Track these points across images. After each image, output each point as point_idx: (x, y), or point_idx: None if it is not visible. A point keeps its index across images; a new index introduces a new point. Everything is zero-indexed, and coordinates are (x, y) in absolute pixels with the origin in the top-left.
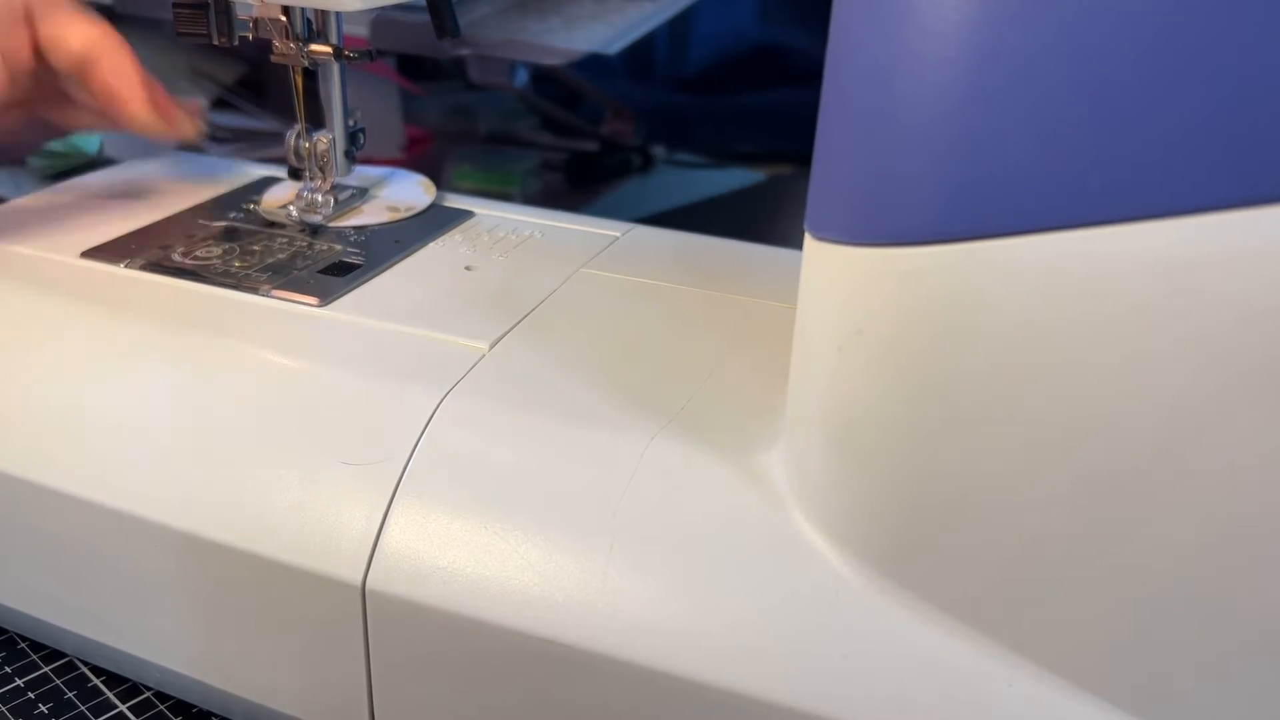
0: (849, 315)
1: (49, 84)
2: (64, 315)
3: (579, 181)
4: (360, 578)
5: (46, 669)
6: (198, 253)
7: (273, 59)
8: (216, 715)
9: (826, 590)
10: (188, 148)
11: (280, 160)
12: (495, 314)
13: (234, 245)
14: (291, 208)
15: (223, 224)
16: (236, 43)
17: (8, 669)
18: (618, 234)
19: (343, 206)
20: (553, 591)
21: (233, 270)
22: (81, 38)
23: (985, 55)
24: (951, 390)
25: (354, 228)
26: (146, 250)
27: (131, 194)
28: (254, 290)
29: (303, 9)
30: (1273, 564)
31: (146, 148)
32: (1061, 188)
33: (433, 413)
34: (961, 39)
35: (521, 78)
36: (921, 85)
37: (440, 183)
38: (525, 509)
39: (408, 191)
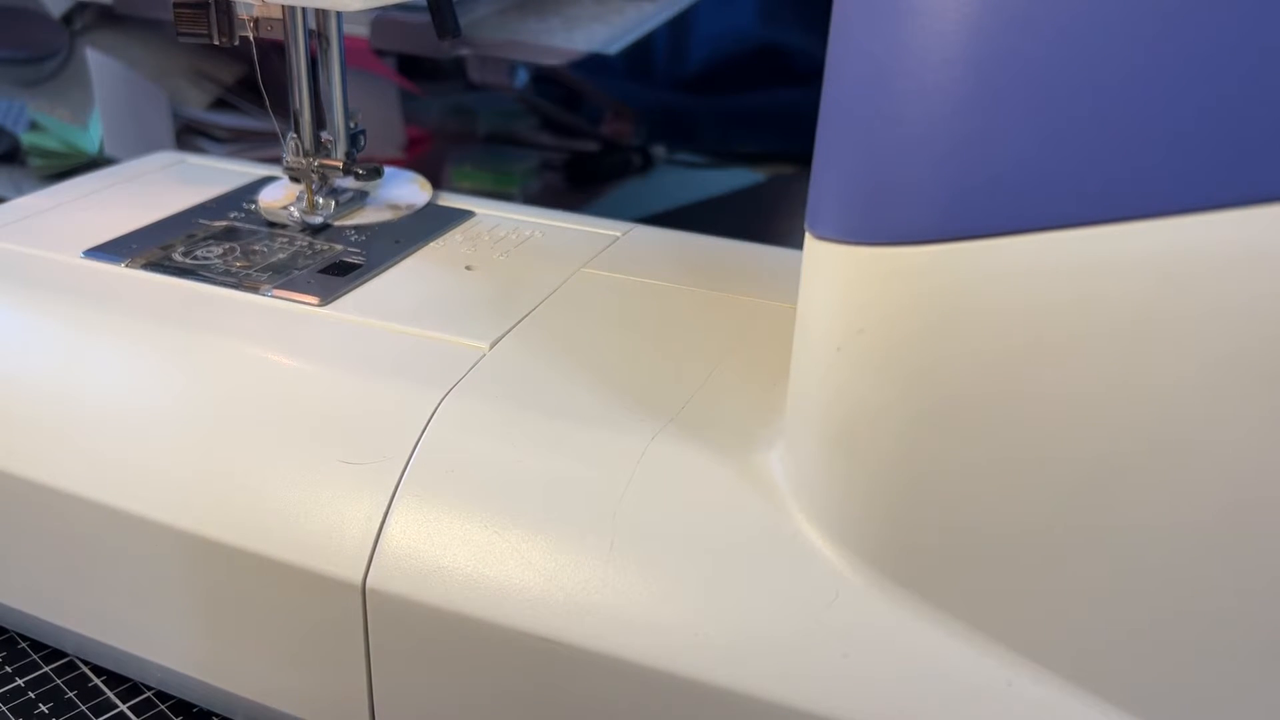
0: (849, 315)
1: None
2: (65, 315)
3: (579, 181)
4: (360, 577)
5: (47, 669)
6: (198, 252)
7: (284, 170)
8: (217, 715)
9: (826, 590)
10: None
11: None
12: (495, 314)
13: (234, 245)
14: (292, 208)
15: (223, 224)
16: (236, 43)
17: (8, 669)
18: (618, 234)
19: (344, 207)
20: (553, 591)
21: (233, 270)
22: None
23: (985, 55)
24: (951, 389)
25: (354, 227)
26: (147, 250)
27: (132, 194)
28: (255, 290)
29: (304, 8)
30: (1272, 563)
31: (147, 147)
32: (1061, 187)
33: (433, 413)
34: (961, 39)
35: (521, 78)
36: (921, 85)
37: (440, 183)
38: (525, 509)
39: (405, 190)
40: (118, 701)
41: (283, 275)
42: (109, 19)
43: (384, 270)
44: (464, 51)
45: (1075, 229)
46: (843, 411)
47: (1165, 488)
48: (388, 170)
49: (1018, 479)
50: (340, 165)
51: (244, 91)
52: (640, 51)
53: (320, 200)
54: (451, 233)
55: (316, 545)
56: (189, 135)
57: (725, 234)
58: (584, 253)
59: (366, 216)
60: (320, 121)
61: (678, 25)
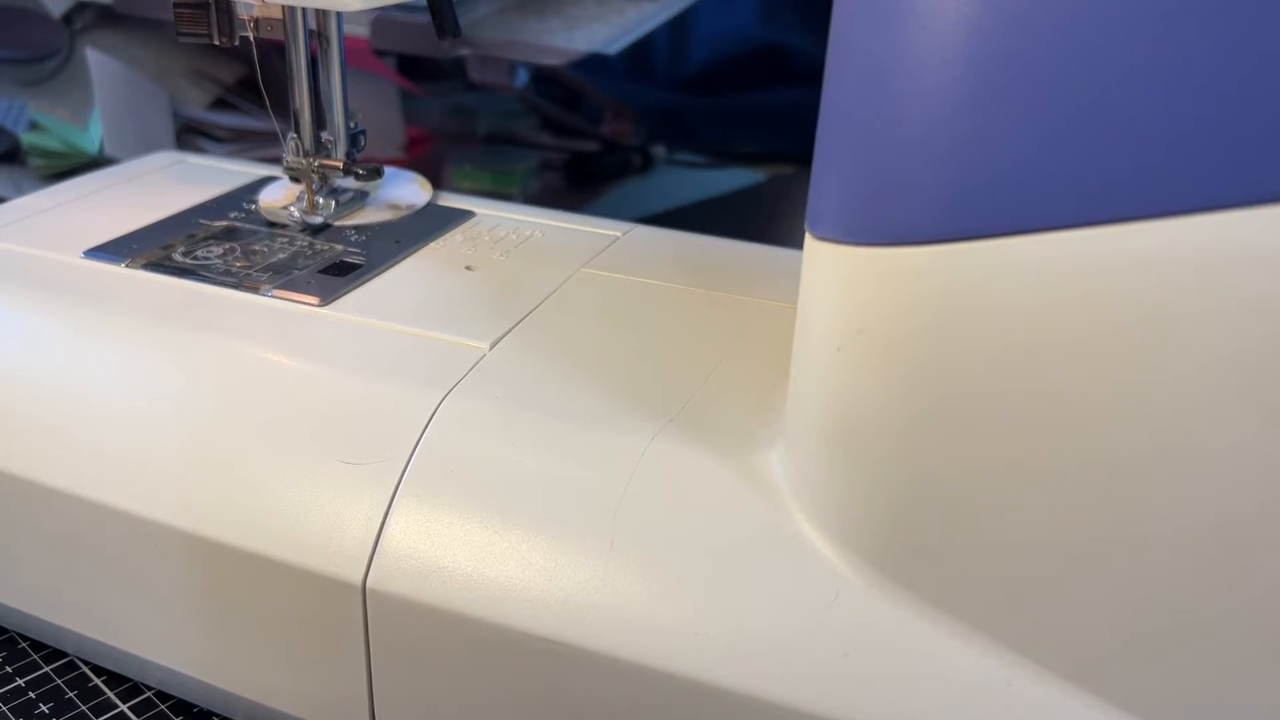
0: (849, 315)
1: None
2: (65, 315)
3: (579, 181)
4: (360, 577)
5: (47, 669)
6: (199, 252)
7: (284, 170)
8: (217, 715)
9: (826, 590)
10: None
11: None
12: (495, 314)
13: (235, 245)
14: (293, 208)
15: (223, 223)
16: (237, 43)
17: (8, 669)
18: (618, 234)
19: (344, 207)
20: (553, 591)
21: (234, 270)
22: None
23: (985, 55)
24: (951, 390)
25: (354, 227)
26: (147, 250)
27: (132, 194)
28: (255, 290)
29: (304, 8)
30: (1272, 563)
31: (147, 147)
32: (1061, 188)
33: (433, 413)
34: (961, 39)
35: (521, 78)
36: (921, 85)
37: (440, 183)
38: (525, 509)
39: (406, 190)
40: (118, 701)
41: (283, 275)
42: (109, 19)
43: (384, 270)
44: (464, 51)
45: (1075, 229)
46: (843, 411)
47: (1165, 488)
48: (388, 170)
49: (1018, 479)
50: (340, 165)
51: (244, 91)
52: (640, 51)
53: (320, 200)
54: (451, 233)
55: (316, 545)
56: (189, 135)
57: (725, 234)
58: (584, 253)
59: (366, 216)
60: (320, 121)
61: (678, 25)
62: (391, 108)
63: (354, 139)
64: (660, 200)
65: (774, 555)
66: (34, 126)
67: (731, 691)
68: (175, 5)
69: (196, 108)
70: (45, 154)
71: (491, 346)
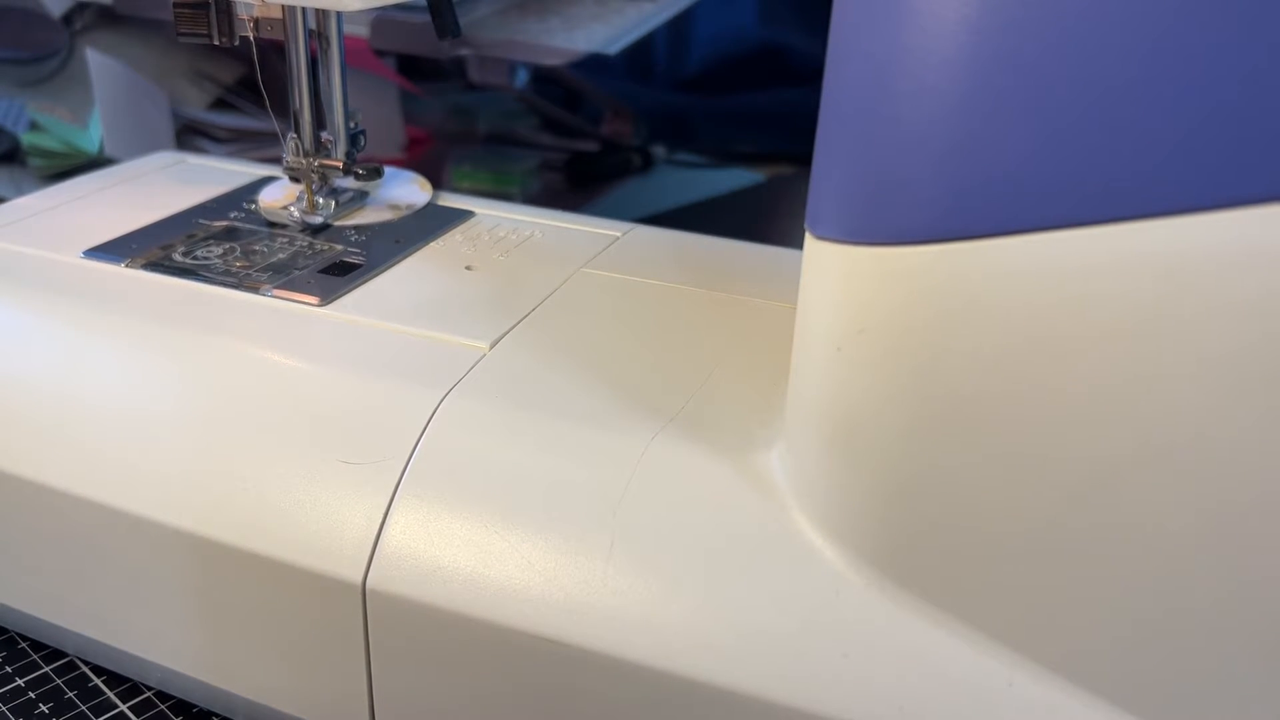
0: (849, 315)
1: None
2: (64, 315)
3: (579, 181)
4: (360, 577)
5: (47, 669)
6: (198, 252)
7: (284, 170)
8: (217, 715)
9: (826, 590)
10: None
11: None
12: (495, 314)
13: (234, 245)
14: (292, 208)
15: (223, 223)
16: (236, 43)
17: (8, 669)
18: (618, 234)
19: (344, 207)
20: (553, 591)
21: (233, 270)
22: None
23: (985, 55)
24: (951, 389)
25: (354, 227)
26: (147, 249)
27: (132, 194)
28: (255, 290)
29: (303, 8)
30: (1272, 563)
31: (147, 147)
32: (1061, 187)
33: (433, 413)
34: (961, 39)
35: (521, 78)
36: (921, 85)
37: (440, 183)
38: (525, 509)
39: (405, 190)
40: (118, 701)
41: (283, 275)
42: (109, 19)
43: (384, 270)
44: (464, 51)
45: (1075, 229)
46: (843, 411)
47: (1165, 487)
48: (388, 170)
49: (1017, 479)
50: (340, 165)
51: (244, 91)
52: (640, 51)
53: (320, 200)
54: (451, 233)
55: (316, 545)
56: (189, 135)
57: (725, 234)
58: (584, 253)
59: (366, 216)
60: (320, 121)
61: (678, 25)
62: (391, 108)
63: (354, 139)
64: (660, 200)
65: (774, 555)
66: (34, 126)
67: (731, 691)
68: (175, 5)
69: (196, 108)
70: (45, 154)
71: (491, 346)
